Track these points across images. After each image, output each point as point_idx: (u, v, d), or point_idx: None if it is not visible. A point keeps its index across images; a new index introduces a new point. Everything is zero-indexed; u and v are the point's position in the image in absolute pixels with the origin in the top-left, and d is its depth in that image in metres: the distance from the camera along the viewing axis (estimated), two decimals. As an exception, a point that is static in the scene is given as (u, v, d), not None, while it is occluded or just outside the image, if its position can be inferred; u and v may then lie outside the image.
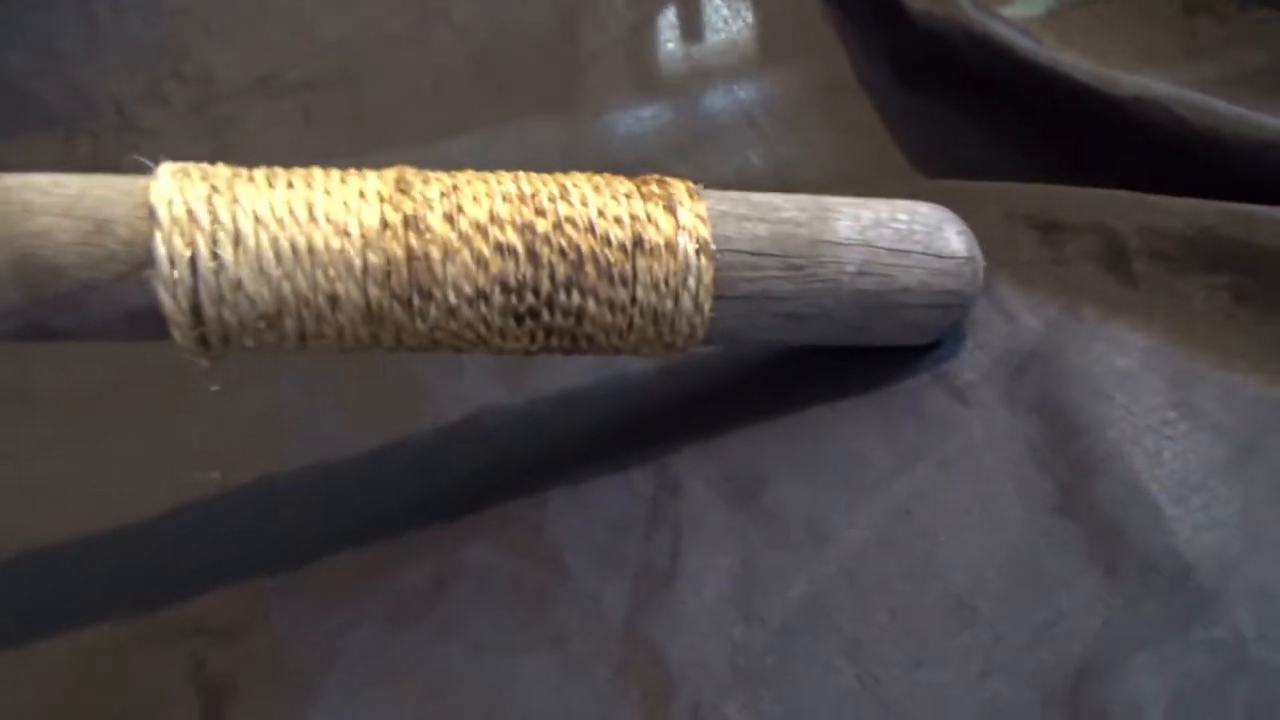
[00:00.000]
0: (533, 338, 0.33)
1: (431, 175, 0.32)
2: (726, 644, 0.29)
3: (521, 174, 0.33)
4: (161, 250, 0.28)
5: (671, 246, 0.33)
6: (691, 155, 0.55)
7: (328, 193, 0.30)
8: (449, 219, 0.31)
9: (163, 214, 0.28)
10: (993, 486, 0.32)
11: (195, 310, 0.28)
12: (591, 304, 0.32)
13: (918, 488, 0.33)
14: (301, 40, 0.63)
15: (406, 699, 0.28)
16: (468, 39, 0.59)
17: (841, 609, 0.29)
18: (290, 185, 0.30)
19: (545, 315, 0.32)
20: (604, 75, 0.61)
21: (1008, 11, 0.55)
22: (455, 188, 0.31)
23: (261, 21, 0.64)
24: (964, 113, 0.54)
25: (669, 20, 0.64)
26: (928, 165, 0.53)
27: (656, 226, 0.33)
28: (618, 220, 0.32)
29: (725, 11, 0.64)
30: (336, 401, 0.42)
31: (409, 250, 0.30)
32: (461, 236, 0.31)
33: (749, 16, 0.65)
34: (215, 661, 0.30)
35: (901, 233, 0.36)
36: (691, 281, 0.33)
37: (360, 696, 0.28)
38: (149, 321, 0.29)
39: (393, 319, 0.31)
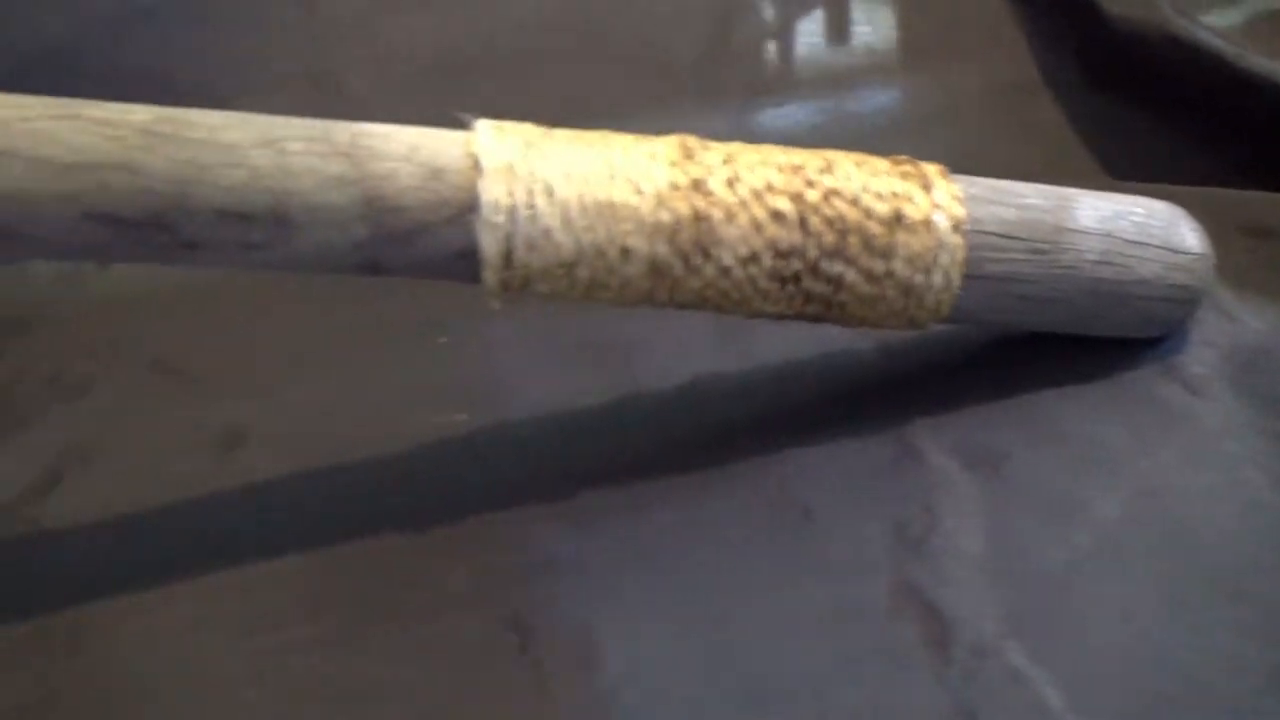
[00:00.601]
0: (790, 302, 0.35)
1: (710, 144, 0.34)
2: (995, 597, 0.30)
3: (788, 148, 0.35)
4: (487, 197, 0.30)
5: (928, 224, 0.35)
6: (873, 150, 0.57)
7: (623, 153, 0.33)
8: (730, 184, 0.33)
9: (488, 164, 0.31)
10: (1240, 473, 0.34)
11: (508, 254, 0.31)
12: (851, 273, 0.34)
13: (1161, 471, 0.34)
14: (480, 23, 0.67)
15: (688, 633, 0.30)
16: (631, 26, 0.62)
17: (1105, 576, 0.31)
18: (589, 145, 0.33)
19: (807, 281, 0.34)
20: (779, 68, 0.63)
21: (1205, 20, 0.55)
22: (732, 156, 0.34)
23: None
24: (1157, 116, 0.55)
25: (849, 15, 0.66)
26: (1115, 167, 0.54)
27: (914, 204, 0.35)
28: (880, 195, 0.34)
29: (903, 7, 0.66)
30: (561, 362, 0.45)
31: (694, 211, 0.33)
32: (741, 201, 0.33)
33: (929, 12, 0.66)
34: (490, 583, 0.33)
35: (1139, 225, 0.37)
36: (944, 258, 0.35)
37: (641, 633, 0.31)
38: (464, 263, 0.32)
39: (672, 274, 0.33)
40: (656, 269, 0.33)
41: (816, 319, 0.37)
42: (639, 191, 0.32)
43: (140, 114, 0.29)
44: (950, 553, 0.32)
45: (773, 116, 0.61)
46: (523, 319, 0.46)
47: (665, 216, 0.32)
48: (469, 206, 0.31)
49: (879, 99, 0.64)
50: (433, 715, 0.28)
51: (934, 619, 0.30)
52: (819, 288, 0.35)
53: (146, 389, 0.43)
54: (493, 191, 0.31)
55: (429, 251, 0.31)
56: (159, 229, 0.28)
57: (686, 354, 0.44)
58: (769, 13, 0.70)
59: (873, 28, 0.67)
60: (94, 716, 0.29)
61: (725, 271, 0.34)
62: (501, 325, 0.47)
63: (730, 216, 0.33)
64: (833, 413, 0.40)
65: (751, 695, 0.29)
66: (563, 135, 0.33)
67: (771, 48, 0.67)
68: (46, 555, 0.36)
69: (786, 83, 0.65)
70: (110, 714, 0.29)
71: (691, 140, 0.34)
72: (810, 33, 0.68)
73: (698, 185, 0.33)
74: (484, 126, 0.32)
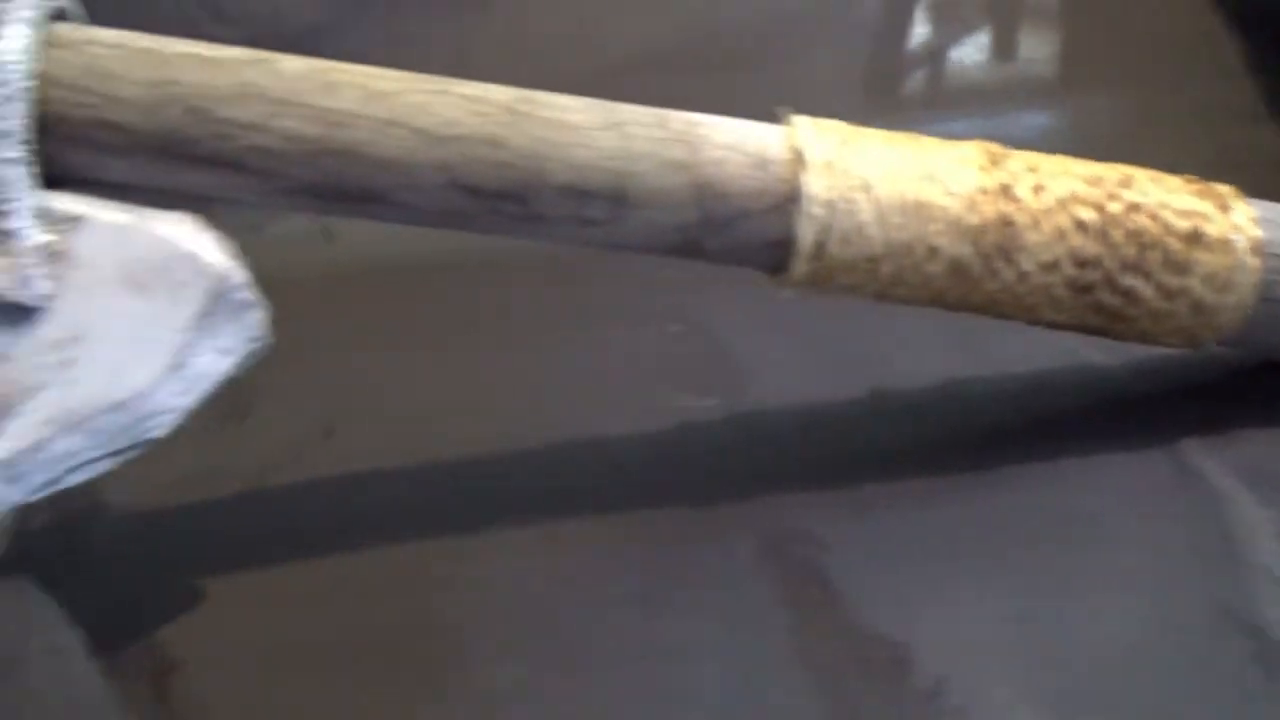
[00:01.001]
0: (1077, 312, 0.35)
1: (1013, 151, 0.35)
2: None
3: (1082, 160, 0.36)
4: (810, 190, 0.32)
5: (1226, 243, 0.35)
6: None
7: (934, 155, 0.34)
8: (1035, 191, 0.34)
9: (811, 158, 0.32)
10: None
11: (821, 246, 0.32)
12: (1147, 288, 0.34)
13: None
14: (705, 19, 0.68)
15: (1002, 632, 0.31)
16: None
17: None
18: (900, 145, 0.34)
19: (1101, 292, 0.34)
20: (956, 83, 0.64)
21: None
22: (1036, 165, 0.35)
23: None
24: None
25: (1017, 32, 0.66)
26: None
27: (1213, 223, 0.35)
28: (1179, 212, 0.35)
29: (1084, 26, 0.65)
30: (801, 356, 0.46)
31: (1001, 215, 0.33)
32: (1046, 209, 0.34)
33: (1137, 31, 0.65)
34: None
35: None
36: (1241, 279, 0.35)
37: (958, 630, 0.31)
38: (773, 252, 0.33)
39: (971, 276, 0.34)
40: (958, 270, 0.34)
41: (1096, 331, 0.37)
42: (950, 193, 0.33)
43: (500, 93, 0.31)
44: (1260, 574, 0.32)
45: (942, 131, 0.62)
46: (754, 311, 0.48)
47: (974, 219, 0.33)
48: (790, 197, 0.32)
49: (1047, 117, 0.63)
50: (745, 678, 0.30)
51: (1257, 638, 0.30)
52: (1111, 300, 0.35)
53: (404, 354, 0.46)
54: (815, 185, 0.32)
55: (745, 238, 0.32)
56: (512, 201, 0.30)
57: (927, 357, 0.44)
58: (936, 27, 0.70)
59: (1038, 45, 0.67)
60: (397, 657, 0.31)
61: (1023, 277, 0.34)
62: (733, 316, 0.49)
63: (1035, 223, 0.34)
64: (1094, 426, 0.40)
65: (1079, 706, 0.30)
66: (874, 134, 0.34)
67: (944, 61, 0.68)
68: (338, 501, 0.39)
69: (954, 97, 0.66)
70: (419, 658, 0.31)
71: (995, 146, 0.35)
72: (976, 48, 0.68)
73: (1005, 190, 0.34)
74: (802, 121, 0.33)
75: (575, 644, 0.31)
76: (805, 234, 0.32)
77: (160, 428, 0.29)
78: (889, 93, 0.66)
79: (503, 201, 0.31)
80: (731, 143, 0.32)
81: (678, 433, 0.42)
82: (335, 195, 0.30)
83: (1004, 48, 0.69)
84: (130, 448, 0.29)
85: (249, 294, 0.29)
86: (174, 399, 0.29)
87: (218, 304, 0.29)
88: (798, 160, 0.32)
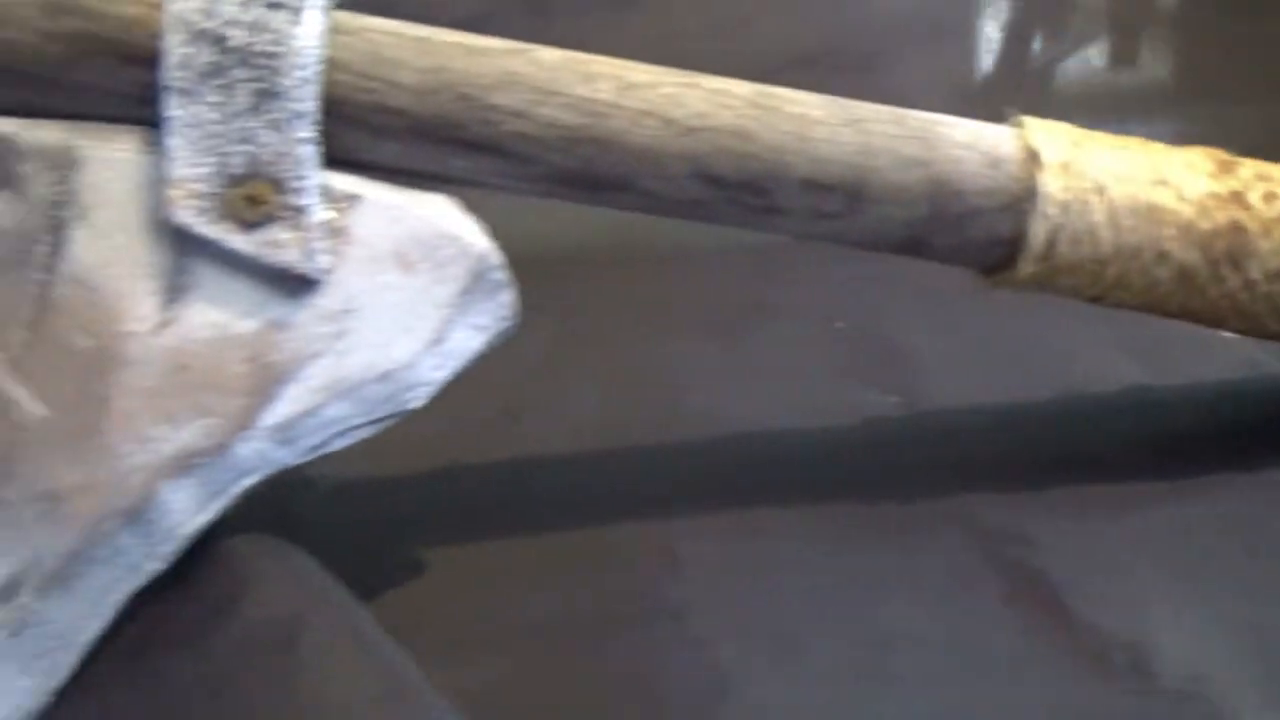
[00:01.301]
0: (1300, 323, 0.35)
1: (1242, 159, 0.35)
2: None
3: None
4: (1045, 190, 0.32)
5: None
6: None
7: (1164, 160, 0.34)
8: (1267, 199, 0.34)
9: (1048, 159, 0.32)
10: None
11: (1050, 246, 0.32)
12: (1377, 299, 0.34)
13: None
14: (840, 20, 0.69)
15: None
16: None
17: None
18: (1129, 149, 0.34)
19: (1328, 302, 0.34)
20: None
21: None
22: (1268, 174, 0.34)
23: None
24: None
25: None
26: None
27: None
28: None
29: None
30: (976, 357, 0.46)
31: (1233, 222, 0.33)
32: (1277, 217, 0.34)
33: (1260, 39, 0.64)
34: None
35: None
36: None
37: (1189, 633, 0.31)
38: (997, 251, 0.33)
39: (1196, 283, 0.34)
40: (1184, 275, 0.34)
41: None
42: (1182, 198, 0.33)
43: (743, 87, 0.32)
44: None
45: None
46: (919, 310, 0.48)
47: (1205, 225, 0.33)
48: (1023, 197, 0.32)
49: (1168, 127, 0.62)
50: (976, 671, 0.30)
51: None
52: (1333, 313, 0.35)
53: (578, 338, 0.47)
54: (1051, 185, 0.32)
55: (973, 236, 0.33)
56: (753, 192, 0.31)
57: (1105, 360, 0.44)
58: (1057, 34, 0.69)
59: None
60: (619, 634, 0.32)
61: (1250, 285, 0.34)
62: (899, 315, 0.49)
63: (1266, 231, 0.33)
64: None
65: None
66: (1102, 138, 0.34)
67: (1064, 69, 0.67)
68: (541, 478, 0.40)
69: (1073, 104, 0.65)
70: (639, 636, 0.32)
71: (1222, 153, 0.35)
72: (1097, 55, 0.67)
73: (1237, 197, 0.34)
74: (1033, 123, 0.34)
75: (795, 628, 0.31)
76: (1037, 234, 0.32)
77: (418, 399, 0.30)
78: (1011, 100, 0.66)
79: (744, 192, 0.31)
80: (967, 141, 0.32)
81: (864, 428, 0.43)
82: (586, 182, 0.31)
83: (1124, 56, 0.69)
84: (389, 416, 0.30)
85: (504, 275, 0.30)
86: (432, 372, 0.30)
87: (477, 283, 0.30)
88: (1033, 160, 0.32)
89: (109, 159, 0.28)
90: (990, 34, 0.70)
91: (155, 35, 0.28)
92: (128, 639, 0.28)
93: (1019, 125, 0.34)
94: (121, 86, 0.28)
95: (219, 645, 0.27)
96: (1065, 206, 0.32)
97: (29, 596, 0.27)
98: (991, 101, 0.64)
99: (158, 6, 0.28)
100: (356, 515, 0.39)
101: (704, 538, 0.35)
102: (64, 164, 0.28)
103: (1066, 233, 0.33)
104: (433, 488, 0.40)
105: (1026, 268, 0.33)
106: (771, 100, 0.31)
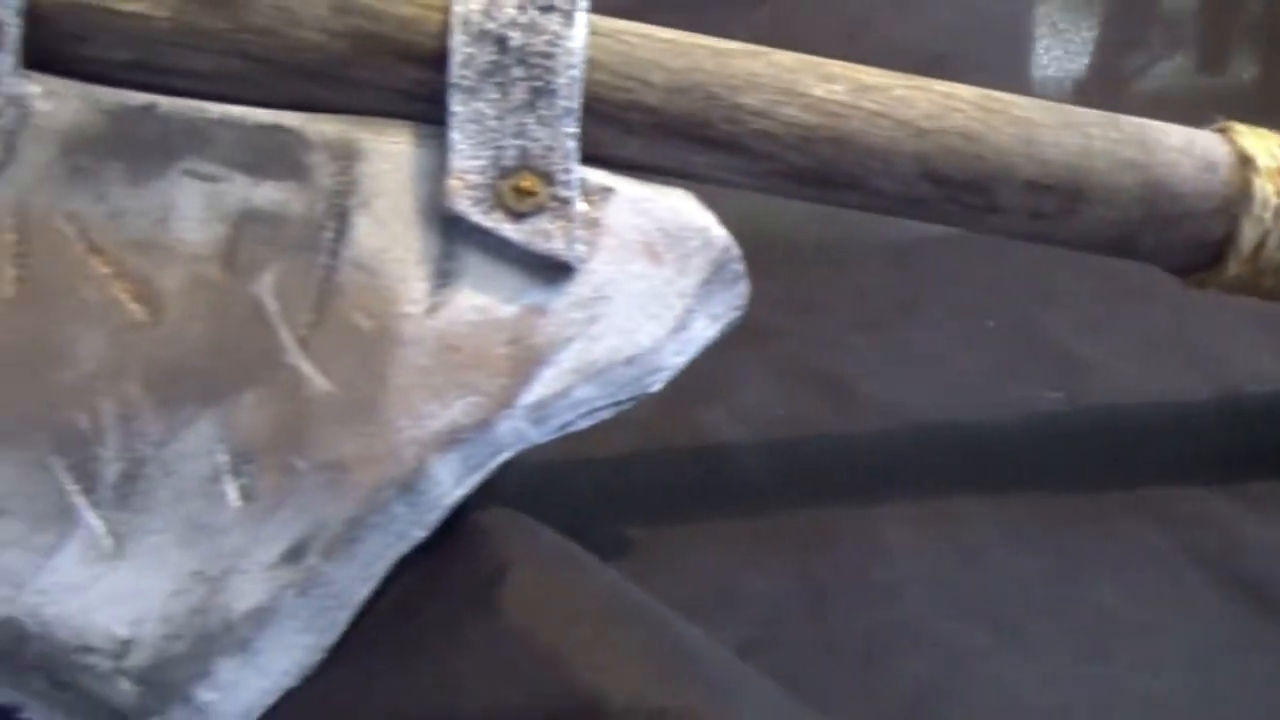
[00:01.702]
0: None
1: None
2: None
3: None
4: (1261, 194, 0.33)
5: None
6: None
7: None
8: None
9: (1263, 163, 0.33)
10: None
11: (1259, 248, 0.33)
12: None
13: None
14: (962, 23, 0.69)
15: None
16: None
17: None
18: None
19: None
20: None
21: None
22: None
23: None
24: None
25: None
26: None
27: None
28: None
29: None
30: (1136, 354, 0.47)
31: None
32: None
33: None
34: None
35: None
36: None
37: None
38: (1203, 253, 0.34)
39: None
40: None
41: None
42: (1390, 203, 0.34)
43: (968, 91, 0.33)
44: None
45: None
46: (1072, 307, 0.49)
47: None
48: (1235, 200, 0.33)
49: None
50: (1195, 661, 0.31)
51: None
52: None
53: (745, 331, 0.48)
54: (1266, 189, 0.33)
55: (1182, 238, 0.34)
56: (976, 192, 0.32)
57: (1264, 358, 0.45)
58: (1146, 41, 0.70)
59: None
60: (837, 611, 0.34)
61: None
62: (1051, 312, 0.50)
63: None
64: None
65: None
66: (1299, 140, 0.35)
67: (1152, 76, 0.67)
68: (732, 464, 0.41)
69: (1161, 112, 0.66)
70: (850, 612, 0.34)
71: None
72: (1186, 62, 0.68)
73: None
74: (1242, 129, 0.35)
75: (1011, 610, 0.33)
76: (1249, 236, 0.33)
77: (657, 383, 0.31)
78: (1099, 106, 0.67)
79: (966, 192, 0.33)
80: (1181, 145, 0.33)
81: (1036, 422, 0.44)
82: (817, 180, 0.32)
83: (1212, 62, 0.69)
84: (629, 399, 0.31)
85: (741, 267, 0.32)
86: (673, 358, 0.31)
87: (718, 274, 0.31)
88: (1246, 164, 0.34)
89: (387, 151, 0.30)
90: (1085, 39, 0.71)
91: (431, 35, 0.29)
92: (391, 601, 0.30)
93: (1225, 131, 0.35)
94: (397, 83, 0.30)
95: (479, 609, 0.29)
96: (1277, 210, 0.33)
97: (315, 559, 0.29)
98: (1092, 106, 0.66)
99: (432, 7, 0.30)
100: (558, 495, 0.41)
101: (907, 523, 0.36)
102: (346, 155, 0.30)
103: (1275, 235, 0.34)
104: (628, 472, 0.42)
105: (1233, 269, 0.34)
106: (996, 104, 0.33)
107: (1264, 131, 0.35)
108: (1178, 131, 0.34)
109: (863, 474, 0.40)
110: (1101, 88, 0.67)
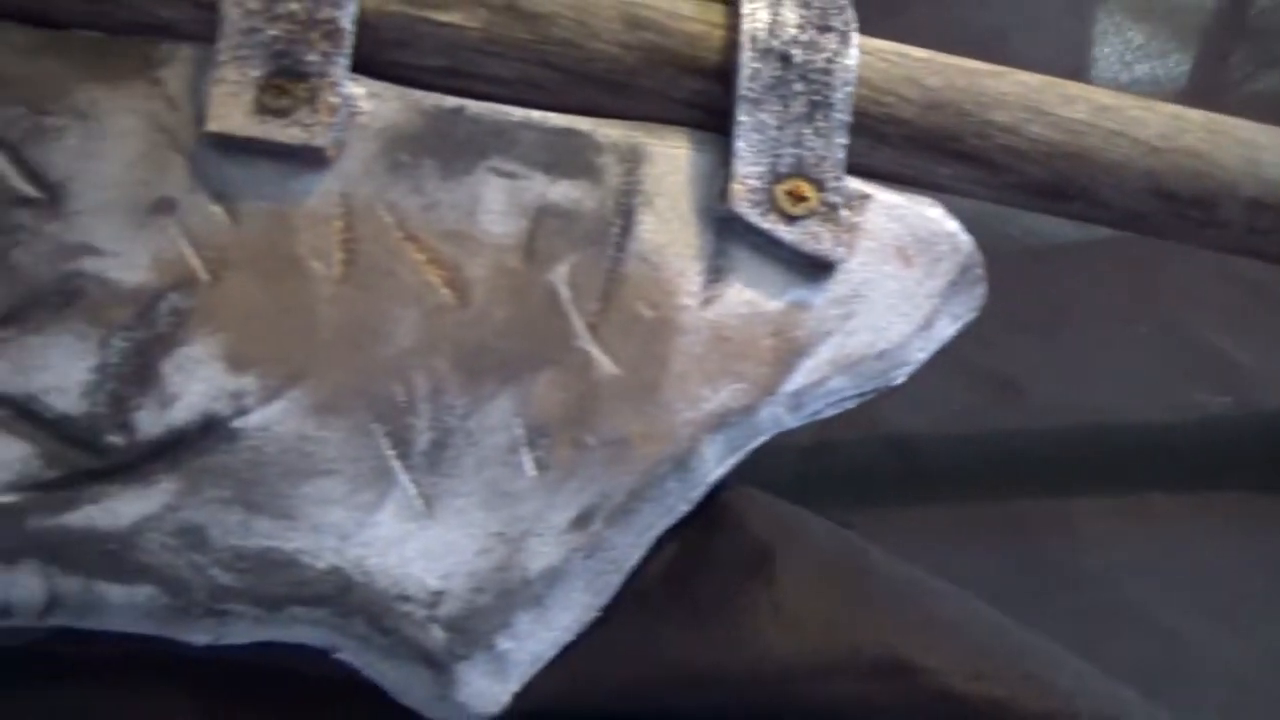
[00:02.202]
0: None
1: None
2: None
3: None
4: None
5: None
6: None
7: None
8: None
9: None
10: None
11: None
12: None
13: None
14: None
15: None
16: None
17: None
18: None
19: None
20: None
21: None
22: None
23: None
24: None
25: None
26: None
27: None
28: None
29: None
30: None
31: None
32: None
33: None
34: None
35: None
36: None
37: None
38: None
39: None
40: None
41: None
42: None
43: (1194, 113, 0.35)
44: None
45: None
46: (1231, 314, 0.51)
47: None
48: None
49: None
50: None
51: None
52: None
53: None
54: None
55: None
56: (1201, 208, 0.35)
57: None
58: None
59: None
60: (1048, 598, 0.36)
61: None
62: (1211, 319, 0.52)
63: None
64: None
65: None
66: None
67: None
68: (918, 454, 0.44)
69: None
70: (1061, 598, 0.36)
71: None
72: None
73: None
74: None
75: (1220, 599, 0.35)
76: None
77: (900, 377, 0.34)
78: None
79: (1191, 208, 0.35)
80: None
81: (1208, 424, 0.46)
82: (1050, 193, 0.34)
83: None
84: (873, 390, 0.34)
85: (982, 271, 0.34)
86: (917, 353, 0.34)
87: (963, 277, 0.34)
88: None
89: (668, 155, 0.32)
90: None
91: (714, 50, 0.32)
92: (660, 569, 0.33)
93: None
94: (678, 93, 0.32)
95: (752, 578, 0.31)
96: None
97: (600, 525, 0.32)
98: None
99: (716, 25, 0.32)
100: (754, 484, 0.44)
101: (1102, 516, 0.39)
102: (632, 158, 0.32)
103: None
104: (820, 459, 0.44)
105: None
106: (1222, 125, 0.35)
107: None
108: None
109: (1049, 468, 0.42)
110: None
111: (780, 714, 0.28)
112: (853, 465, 0.44)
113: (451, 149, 0.32)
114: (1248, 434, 0.44)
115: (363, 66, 0.31)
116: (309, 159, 0.30)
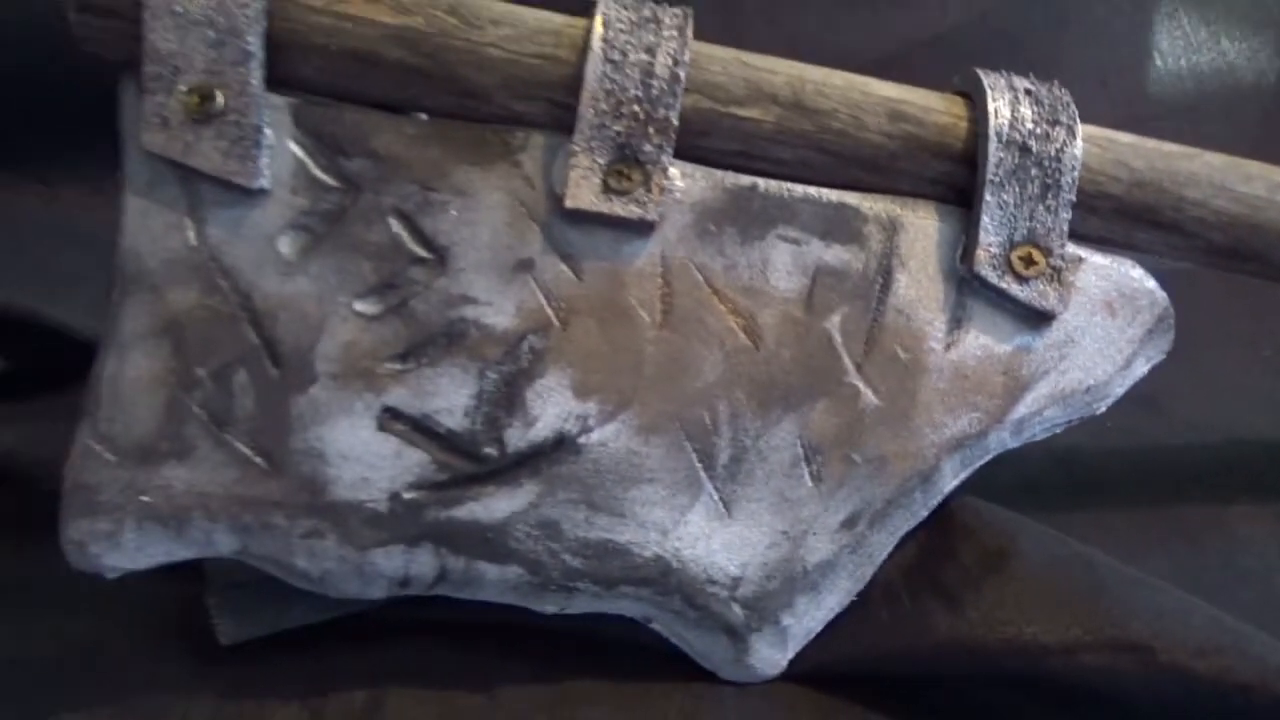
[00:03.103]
0: None
1: None
2: None
3: None
4: None
5: None
6: None
7: None
8: None
9: None
10: None
11: None
12: None
13: None
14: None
15: None
16: None
17: None
18: None
19: None
20: None
21: None
22: None
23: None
24: None
25: None
26: None
27: None
28: None
29: None
30: None
31: None
32: None
33: None
34: None
35: None
36: None
37: None
38: None
39: None
40: None
41: None
42: None
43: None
44: None
45: None
46: None
47: None
48: None
49: None
50: None
51: None
52: None
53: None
54: None
55: None
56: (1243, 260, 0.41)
57: None
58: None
59: None
60: (1227, 587, 0.42)
61: None
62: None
63: None
64: None
65: None
66: None
67: None
68: (1070, 466, 0.51)
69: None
70: (1236, 589, 0.43)
71: None
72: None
73: None
74: None
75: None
76: None
77: (1102, 407, 0.41)
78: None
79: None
80: None
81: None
82: (1228, 255, 0.41)
83: None
84: (1078, 418, 0.41)
85: (1172, 320, 0.41)
86: (1117, 389, 0.41)
87: (1158, 325, 0.40)
88: None
89: (919, 224, 0.39)
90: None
91: (960, 139, 0.39)
92: (900, 564, 0.40)
93: None
94: (927, 173, 0.39)
95: (992, 571, 0.38)
96: None
97: (863, 527, 0.39)
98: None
99: (960, 118, 0.39)
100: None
101: (1258, 521, 0.45)
102: (890, 227, 0.39)
103: None
104: (993, 472, 0.51)
105: None
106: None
107: None
108: None
109: (1202, 478, 0.49)
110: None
111: (1034, 682, 0.35)
112: (1021, 478, 0.50)
113: (747, 219, 0.39)
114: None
115: (677, 151, 0.39)
116: (640, 228, 0.38)
